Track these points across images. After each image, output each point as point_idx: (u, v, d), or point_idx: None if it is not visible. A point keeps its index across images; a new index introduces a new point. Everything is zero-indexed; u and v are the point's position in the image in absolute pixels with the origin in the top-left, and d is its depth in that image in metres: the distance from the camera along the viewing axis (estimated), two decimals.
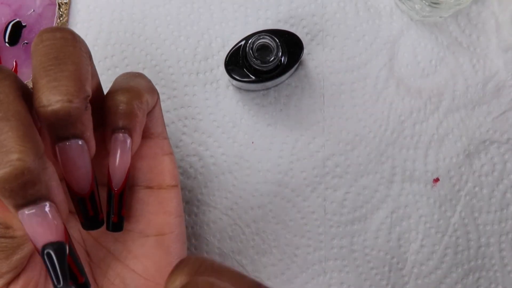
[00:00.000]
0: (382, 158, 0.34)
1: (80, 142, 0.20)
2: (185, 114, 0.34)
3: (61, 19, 0.34)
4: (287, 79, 0.34)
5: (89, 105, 0.20)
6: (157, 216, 0.26)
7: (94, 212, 0.22)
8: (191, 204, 0.34)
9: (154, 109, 0.26)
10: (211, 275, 0.19)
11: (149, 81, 0.26)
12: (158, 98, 0.26)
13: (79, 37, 0.21)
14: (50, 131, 0.20)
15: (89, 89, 0.20)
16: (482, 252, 0.34)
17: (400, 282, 0.34)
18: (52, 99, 0.19)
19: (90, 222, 0.22)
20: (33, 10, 0.33)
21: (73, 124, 0.20)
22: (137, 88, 0.24)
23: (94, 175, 0.22)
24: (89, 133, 0.21)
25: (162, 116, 0.27)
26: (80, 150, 0.20)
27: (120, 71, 0.34)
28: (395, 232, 0.34)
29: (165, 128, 0.28)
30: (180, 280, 0.19)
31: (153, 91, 0.25)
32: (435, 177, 0.34)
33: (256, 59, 0.30)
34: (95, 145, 0.22)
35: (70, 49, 0.20)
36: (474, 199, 0.34)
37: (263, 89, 0.34)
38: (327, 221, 0.34)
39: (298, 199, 0.34)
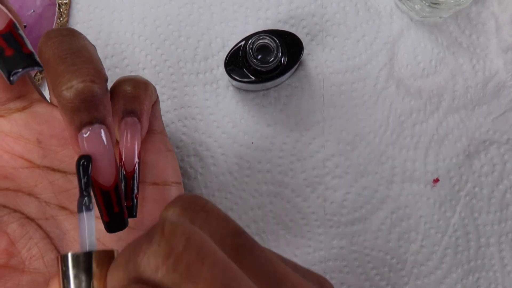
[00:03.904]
0: (382, 158, 0.34)
1: (102, 128, 0.20)
2: (185, 114, 0.34)
3: (61, 19, 0.34)
4: (287, 79, 0.34)
5: (108, 89, 0.21)
6: None
7: (119, 208, 0.22)
8: None
9: (155, 105, 0.27)
10: (199, 215, 0.19)
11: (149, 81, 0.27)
12: (158, 97, 0.27)
13: (85, 36, 0.22)
14: (73, 116, 0.20)
15: (106, 74, 0.21)
16: (482, 253, 0.34)
17: (400, 282, 0.34)
18: (74, 80, 0.19)
19: (115, 220, 0.22)
20: (33, 10, 0.33)
21: (96, 106, 0.20)
22: (141, 78, 0.25)
23: (118, 167, 0.21)
24: (111, 119, 0.21)
25: (161, 115, 0.28)
26: (103, 136, 0.20)
27: (120, 71, 0.34)
28: (395, 233, 0.34)
29: (164, 127, 0.28)
30: (173, 210, 0.19)
31: (153, 87, 0.26)
32: (435, 177, 0.34)
33: (256, 59, 0.30)
34: None
35: (81, 41, 0.21)
36: (474, 199, 0.34)
37: (263, 90, 0.34)
38: (327, 221, 0.34)
39: (298, 200, 0.34)
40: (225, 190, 0.34)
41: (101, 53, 0.34)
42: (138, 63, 0.34)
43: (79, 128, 0.20)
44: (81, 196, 0.20)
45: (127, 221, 0.22)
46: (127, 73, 0.34)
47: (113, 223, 0.22)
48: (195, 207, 0.19)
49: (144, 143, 0.26)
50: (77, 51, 0.20)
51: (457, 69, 0.34)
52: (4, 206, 0.24)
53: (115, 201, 0.21)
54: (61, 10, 0.34)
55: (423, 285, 0.34)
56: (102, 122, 0.20)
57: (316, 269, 0.34)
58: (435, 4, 0.31)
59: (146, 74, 0.34)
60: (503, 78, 0.35)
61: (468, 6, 0.34)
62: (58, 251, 0.25)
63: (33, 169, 0.24)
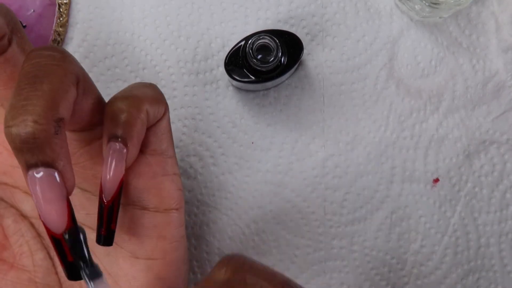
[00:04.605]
0: (382, 158, 0.34)
1: (51, 172, 0.18)
2: (185, 114, 0.34)
3: (61, 19, 0.34)
4: (287, 79, 0.34)
5: (62, 130, 0.19)
6: (150, 239, 0.25)
7: (74, 257, 0.19)
8: (191, 204, 0.34)
9: (158, 123, 0.25)
10: (249, 273, 0.21)
11: (158, 93, 0.25)
12: (166, 112, 0.25)
13: (70, 57, 0.20)
14: (18, 156, 0.18)
15: (63, 111, 0.19)
16: (482, 253, 0.34)
17: (399, 282, 0.34)
18: (17, 118, 0.18)
19: (69, 269, 0.20)
20: (33, 10, 0.33)
21: (40, 148, 0.18)
22: (138, 96, 0.23)
23: (73, 214, 0.19)
24: (64, 163, 0.19)
25: (170, 132, 0.26)
26: (51, 180, 0.18)
27: (120, 71, 0.34)
28: (394, 233, 0.34)
29: (172, 146, 0.26)
30: (224, 271, 0.21)
31: (158, 102, 0.24)
32: (435, 177, 0.34)
33: (256, 59, 0.30)
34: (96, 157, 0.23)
35: (53, 67, 0.19)
36: (474, 199, 0.34)
37: (263, 89, 0.34)
38: (327, 221, 0.34)
39: (298, 199, 0.34)
40: (225, 190, 0.34)
41: (101, 53, 0.34)
42: (138, 63, 0.34)
43: (26, 169, 0.18)
44: (81, 268, 0.19)
45: (89, 271, 0.20)
46: (127, 73, 0.34)
47: (69, 272, 0.20)
48: (244, 266, 0.21)
49: (137, 165, 0.24)
50: (38, 82, 0.18)
51: (457, 69, 0.34)
52: (2, 200, 0.25)
53: (67, 250, 0.19)
54: (61, 10, 0.34)
55: (423, 285, 0.34)
56: (49, 165, 0.18)
57: (316, 269, 0.34)
58: (435, 4, 0.31)
59: (146, 74, 0.34)
60: (503, 78, 0.35)
61: (468, 6, 0.34)
62: (48, 252, 0.25)
63: None
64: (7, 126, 0.18)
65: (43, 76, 0.19)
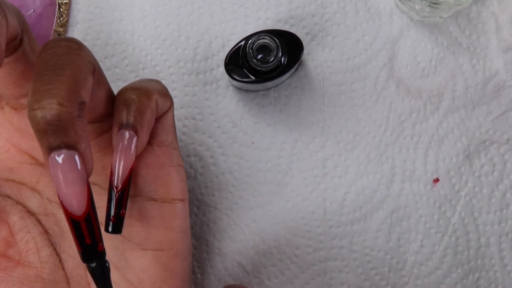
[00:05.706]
0: (382, 158, 0.34)
1: (73, 154, 0.19)
2: (185, 114, 0.34)
3: (61, 19, 0.34)
4: (287, 79, 0.34)
5: (84, 114, 0.19)
6: (157, 230, 0.25)
7: (91, 239, 0.20)
8: (191, 204, 0.34)
9: (165, 115, 0.26)
10: None
11: (164, 87, 0.26)
12: (172, 105, 0.26)
13: (85, 47, 0.21)
14: (42, 139, 0.19)
15: (85, 96, 0.19)
16: (482, 253, 0.34)
17: (400, 282, 0.34)
18: (42, 101, 0.18)
19: (87, 252, 0.20)
20: (33, 10, 0.33)
21: (64, 130, 0.18)
22: (147, 87, 0.24)
23: (92, 197, 0.20)
24: (85, 145, 0.19)
25: (174, 125, 0.26)
26: (72, 163, 0.19)
27: (120, 71, 0.34)
28: (395, 233, 0.34)
29: (176, 138, 0.27)
30: None
31: (165, 95, 0.25)
32: (435, 177, 0.34)
33: (256, 59, 0.30)
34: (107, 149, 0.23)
35: (72, 56, 0.20)
36: (474, 199, 0.34)
37: (263, 89, 0.34)
38: (327, 221, 0.34)
39: (298, 199, 0.34)
40: (225, 190, 0.34)
41: (101, 53, 0.34)
42: (138, 63, 0.34)
43: (48, 151, 0.19)
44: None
45: (104, 253, 0.21)
46: (127, 73, 0.34)
47: (86, 254, 0.20)
48: None
49: (145, 156, 0.25)
50: (59, 68, 0.19)
51: (457, 69, 0.34)
52: (9, 197, 0.25)
53: (86, 232, 0.20)
54: (61, 10, 0.34)
55: (423, 285, 0.34)
56: (72, 148, 0.19)
57: (316, 269, 0.34)
58: (435, 4, 0.31)
59: (146, 74, 0.34)
60: (503, 78, 0.35)
61: (468, 6, 0.34)
62: (55, 248, 0.25)
63: (36, 166, 0.25)
64: (31, 109, 0.18)
65: (63, 63, 0.19)
